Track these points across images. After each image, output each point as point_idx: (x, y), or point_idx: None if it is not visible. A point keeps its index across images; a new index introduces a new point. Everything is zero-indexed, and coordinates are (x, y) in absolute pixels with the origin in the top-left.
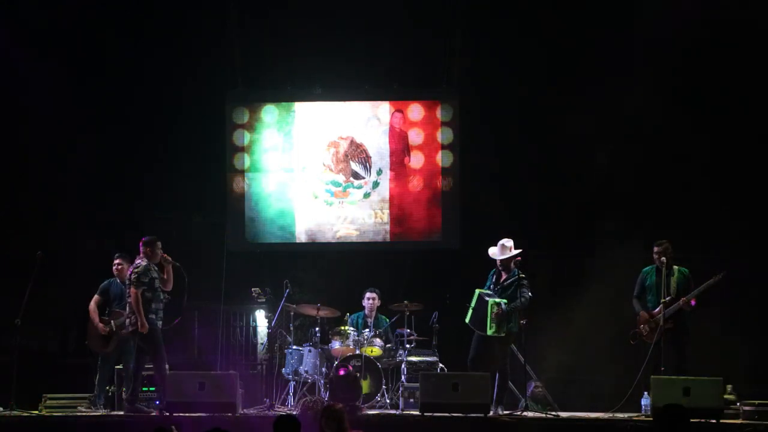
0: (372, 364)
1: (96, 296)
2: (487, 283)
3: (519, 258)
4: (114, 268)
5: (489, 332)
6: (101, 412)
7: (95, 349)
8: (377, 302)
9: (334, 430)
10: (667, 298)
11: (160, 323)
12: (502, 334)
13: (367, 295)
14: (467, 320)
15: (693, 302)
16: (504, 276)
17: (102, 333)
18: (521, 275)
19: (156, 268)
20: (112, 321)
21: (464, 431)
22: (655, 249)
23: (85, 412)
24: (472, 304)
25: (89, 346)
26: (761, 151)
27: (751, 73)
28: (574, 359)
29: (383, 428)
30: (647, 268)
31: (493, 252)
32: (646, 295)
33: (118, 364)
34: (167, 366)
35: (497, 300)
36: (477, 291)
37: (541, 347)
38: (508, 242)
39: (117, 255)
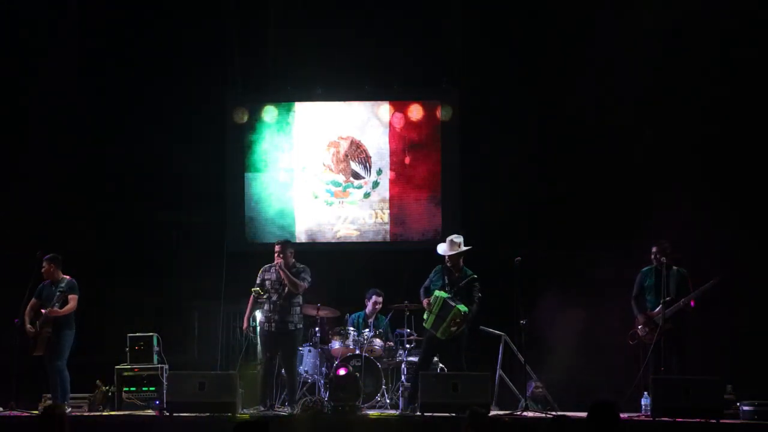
0: (372, 364)
1: (33, 300)
2: (437, 282)
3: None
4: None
5: (439, 335)
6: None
7: (29, 352)
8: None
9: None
10: (667, 299)
11: (268, 326)
12: (450, 337)
13: (374, 299)
14: (426, 324)
15: (692, 303)
16: (456, 274)
17: (29, 335)
18: (474, 276)
19: (276, 270)
20: (37, 322)
21: None
22: (654, 249)
23: (84, 412)
24: (435, 310)
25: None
26: (762, 151)
27: (754, 71)
28: (574, 359)
29: (383, 428)
30: (646, 268)
31: (443, 249)
32: (645, 296)
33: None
34: (288, 371)
35: (462, 308)
36: (441, 296)
37: (541, 347)
38: (458, 238)
39: (45, 257)
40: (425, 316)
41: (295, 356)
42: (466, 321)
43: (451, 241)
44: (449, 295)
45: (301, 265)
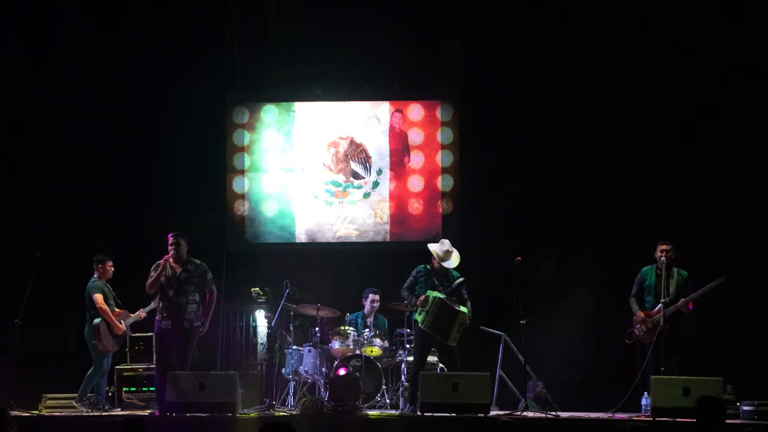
0: (372, 364)
1: (99, 294)
2: (425, 285)
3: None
4: (108, 268)
5: (452, 343)
6: (101, 412)
7: (109, 349)
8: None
9: None
10: (666, 299)
11: (165, 324)
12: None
13: (371, 297)
14: (423, 325)
15: (690, 306)
16: (444, 276)
17: (119, 333)
18: (462, 278)
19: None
20: (123, 321)
21: (464, 431)
22: (662, 247)
23: (84, 412)
24: (429, 308)
25: (105, 346)
26: (760, 150)
27: (751, 71)
28: (575, 359)
29: (383, 428)
30: (646, 268)
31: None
32: (644, 295)
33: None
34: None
35: (464, 310)
36: (435, 295)
37: (541, 347)
38: (450, 245)
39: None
40: (418, 315)
41: (188, 355)
42: (468, 323)
43: (448, 251)
44: (444, 296)
45: (199, 261)
